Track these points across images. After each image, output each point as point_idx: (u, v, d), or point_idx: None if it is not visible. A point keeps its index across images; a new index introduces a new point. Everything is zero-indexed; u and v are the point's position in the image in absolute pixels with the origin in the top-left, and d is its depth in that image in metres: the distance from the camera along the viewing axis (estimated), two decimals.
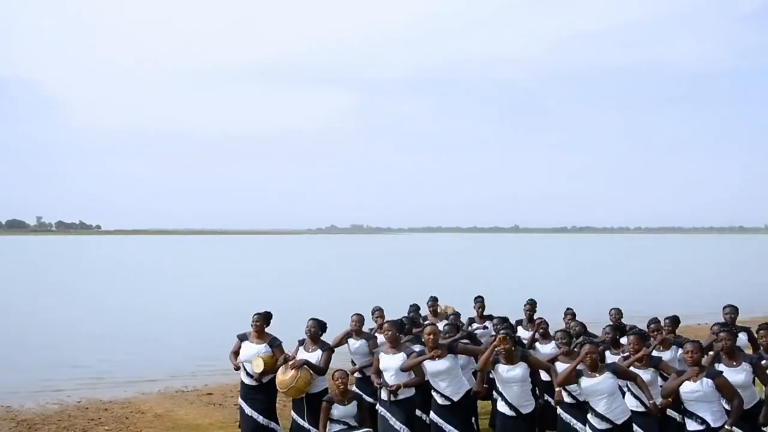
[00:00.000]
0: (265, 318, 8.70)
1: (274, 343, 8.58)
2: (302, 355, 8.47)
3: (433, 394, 7.72)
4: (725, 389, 6.54)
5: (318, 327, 8.62)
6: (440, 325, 9.63)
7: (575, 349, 7.94)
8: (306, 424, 8.39)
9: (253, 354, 8.51)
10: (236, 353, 8.70)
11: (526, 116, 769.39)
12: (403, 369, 7.75)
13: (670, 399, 6.91)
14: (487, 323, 10.24)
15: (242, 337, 8.73)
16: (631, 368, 7.27)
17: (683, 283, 41.92)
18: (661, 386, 7.25)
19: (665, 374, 7.29)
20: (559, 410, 7.93)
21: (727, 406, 6.73)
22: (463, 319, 10.33)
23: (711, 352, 7.59)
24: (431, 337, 7.60)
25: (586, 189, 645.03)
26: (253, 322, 8.65)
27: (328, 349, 8.49)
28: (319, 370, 8.39)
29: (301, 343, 8.63)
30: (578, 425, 7.51)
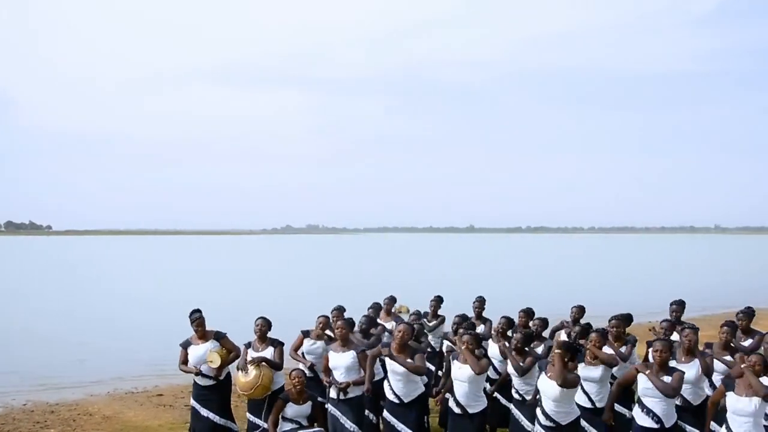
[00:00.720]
0: (201, 316, 8.55)
1: (220, 336, 8.52)
2: (253, 355, 8.38)
3: (386, 390, 7.64)
4: (674, 382, 6.60)
5: (267, 326, 8.55)
6: (389, 326, 9.67)
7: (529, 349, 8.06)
8: (264, 424, 8.28)
9: (204, 353, 8.38)
10: (185, 362, 8.51)
11: (481, 117, 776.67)
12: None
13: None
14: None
15: (185, 344, 8.57)
16: (584, 366, 7.33)
17: (634, 281, 42.56)
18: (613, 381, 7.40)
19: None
20: (511, 407, 8.00)
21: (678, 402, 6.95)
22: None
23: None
24: (401, 334, 7.48)
25: (542, 189, 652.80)
26: (193, 325, 8.51)
27: (280, 345, 8.45)
28: (276, 365, 8.33)
29: (248, 345, 8.53)
30: (527, 423, 7.56)
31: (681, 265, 62.65)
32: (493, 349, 8.82)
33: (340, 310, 9.39)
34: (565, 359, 6.80)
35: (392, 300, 10.69)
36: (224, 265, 63.83)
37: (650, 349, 6.93)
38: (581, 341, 8.21)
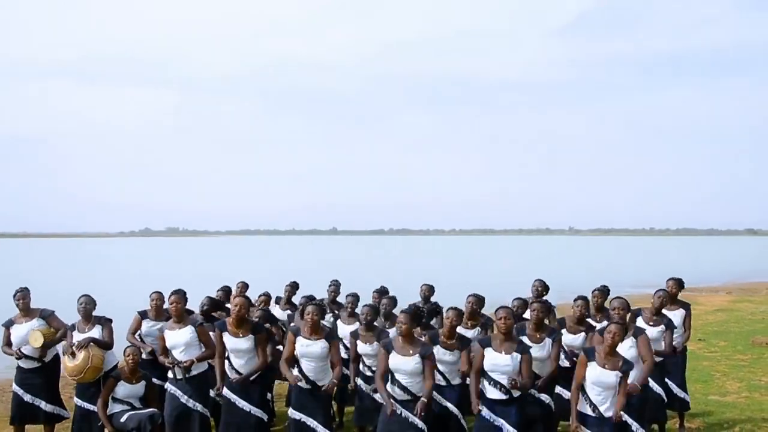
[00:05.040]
0: (26, 293, 7.98)
1: (46, 314, 7.97)
2: (79, 336, 7.81)
3: (227, 369, 7.37)
4: (525, 366, 6.69)
5: (92, 304, 7.98)
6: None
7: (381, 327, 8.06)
8: (94, 408, 7.72)
9: (27, 332, 7.78)
10: (8, 344, 7.92)
11: (345, 118, 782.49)
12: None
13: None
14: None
15: (8, 324, 7.98)
16: (440, 349, 7.23)
17: (490, 276, 43.53)
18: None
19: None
20: (359, 382, 7.95)
21: None
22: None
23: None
24: (237, 308, 7.25)
25: (404, 191, 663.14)
26: (16, 302, 7.93)
27: (107, 322, 7.95)
28: (105, 344, 7.82)
29: (72, 328, 7.94)
30: (377, 397, 7.45)
31: (535, 263, 65.01)
32: (342, 329, 8.69)
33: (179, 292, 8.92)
34: (412, 329, 6.83)
35: (245, 286, 10.18)
36: (68, 267, 60.58)
37: (497, 319, 6.93)
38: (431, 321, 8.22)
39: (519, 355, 6.69)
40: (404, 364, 6.68)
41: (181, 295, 7.65)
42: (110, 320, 8.02)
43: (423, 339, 7.20)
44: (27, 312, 7.93)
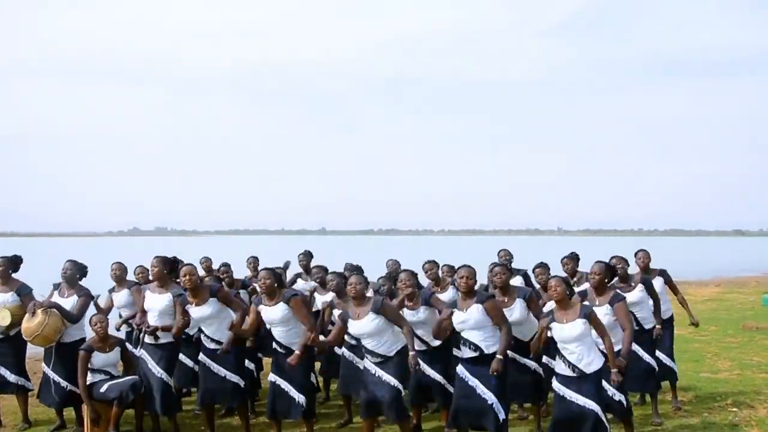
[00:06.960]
0: (11, 262, 7.72)
1: (23, 291, 7.62)
2: (57, 300, 7.56)
3: (202, 338, 7.25)
4: (494, 313, 6.40)
5: (76, 269, 7.73)
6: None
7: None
8: (57, 377, 7.45)
9: None
10: None
11: (335, 118, 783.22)
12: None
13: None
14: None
15: None
16: (405, 310, 7.07)
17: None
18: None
19: (438, 308, 7.11)
20: (343, 350, 7.84)
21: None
22: None
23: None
24: (185, 279, 7.06)
25: (394, 191, 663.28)
26: None
27: (86, 295, 7.64)
28: (72, 317, 7.49)
29: (56, 287, 7.71)
30: (359, 362, 7.34)
31: (523, 262, 65.05)
32: (319, 300, 8.63)
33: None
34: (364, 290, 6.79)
35: (208, 259, 10.31)
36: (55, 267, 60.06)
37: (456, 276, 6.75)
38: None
39: (480, 305, 6.39)
40: (363, 326, 6.58)
41: (161, 260, 7.50)
42: (90, 296, 7.75)
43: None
44: (6, 281, 7.67)
